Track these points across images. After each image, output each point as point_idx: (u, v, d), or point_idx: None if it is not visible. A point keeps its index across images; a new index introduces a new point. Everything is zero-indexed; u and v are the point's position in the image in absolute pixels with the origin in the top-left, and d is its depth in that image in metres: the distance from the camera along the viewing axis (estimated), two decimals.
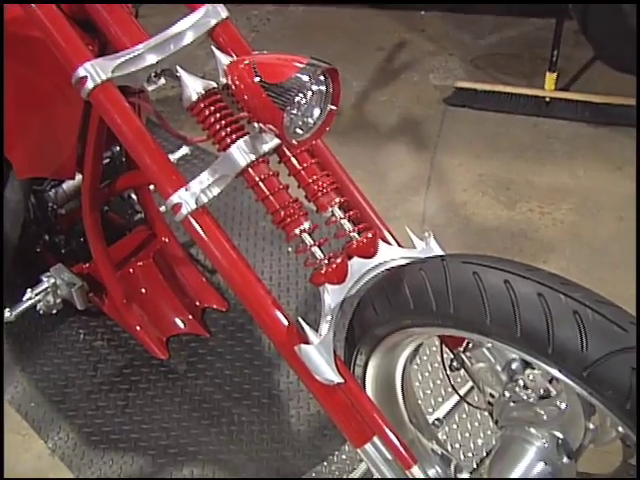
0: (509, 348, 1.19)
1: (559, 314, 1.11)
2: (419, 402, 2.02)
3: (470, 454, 2.04)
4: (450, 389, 2.02)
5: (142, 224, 2.47)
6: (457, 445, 2.06)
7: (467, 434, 2.08)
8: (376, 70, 3.75)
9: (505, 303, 1.14)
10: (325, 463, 2.03)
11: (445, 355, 1.53)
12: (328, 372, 1.33)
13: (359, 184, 2.87)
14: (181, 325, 2.38)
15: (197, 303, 2.45)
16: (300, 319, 1.36)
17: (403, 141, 3.23)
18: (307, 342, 1.33)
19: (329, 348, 1.33)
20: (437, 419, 2.00)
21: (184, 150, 2.50)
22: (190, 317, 2.38)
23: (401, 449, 1.40)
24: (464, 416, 2.11)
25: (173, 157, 2.47)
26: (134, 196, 2.43)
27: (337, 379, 1.33)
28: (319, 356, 1.33)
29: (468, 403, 1.81)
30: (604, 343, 1.08)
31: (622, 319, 1.11)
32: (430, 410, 2.13)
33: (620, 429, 1.27)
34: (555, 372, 1.14)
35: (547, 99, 3.37)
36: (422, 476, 1.39)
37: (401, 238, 1.49)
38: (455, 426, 2.10)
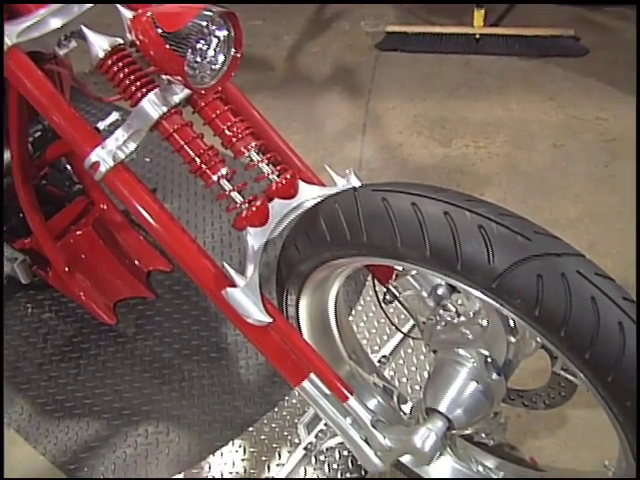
0: (423, 270, 1.21)
1: (465, 230, 1.13)
2: (362, 338, 2.06)
3: (417, 387, 2.07)
4: (394, 327, 2.06)
5: (82, 194, 2.46)
6: (404, 379, 2.09)
7: (413, 368, 2.11)
8: (307, 22, 3.75)
9: (413, 225, 1.16)
10: (276, 409, 2.06)
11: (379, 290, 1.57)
12: (256, 313, 1.35)
13: (296, 136, 2.91)
14: (127, 289, 2.39)
15: (141, 266, 2.46)
16: (225, 264, 1.37)
17: (337, 90, 3.24)
18: (234, 286, 1.34)
19: (255, 289, 1.34)
20: (383, 356, 2.05)
21: (114, 116, 2.48)
22: (135, 280, 2.39)
23: (337, 383, 1.43)
24: (409, 351, 2.15)
25: (104, 124, 2.46)
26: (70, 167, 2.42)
27: (265, 319, 1.35)
28: (246, 298, 1.34)
29: (406, 334, 1.85)
30: (509, 254, 1.10)
31: (526, 229, 1.13)
32: (376, 348, 2.15)
33: (538, 339, 1.31)
34: (467, 288, 1.16)
35: (477, 36, 3.39)
36: (359, 406, 1.42)
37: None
38: (401, 361, 2.13)
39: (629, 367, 1.10)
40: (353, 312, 2.28)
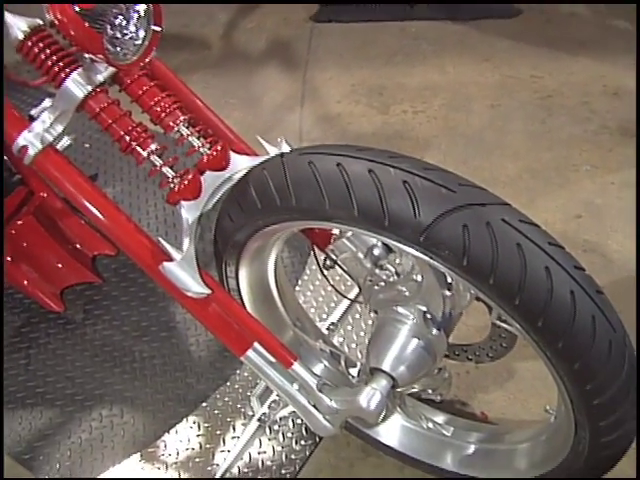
0: (353, 229, 1.23)
1: (390, 186, 1.13)
2: (310, 307, 2.07)
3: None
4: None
5: (21, 184, 2.43)
6: (354, 344, 2.11)
7: (362, 333, 2.13)
8: None
9: (339, 185, 1.17)
10: (228, 383, 2.07)
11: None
12: (194, 285, 1.35)
13: (235, 112, 2.90)
14: (73, 276, 2.37)
15: (86, 252, 2.44)
16: (160, 239, 1.37)
17: (274, 64, 3.23)
18: (170, 260, 1.35)
19: (192, 262, 1.35)
20: (332, 323, 2.07)
21: (47, 102, 2.45)
22: (80, 266, 2.37)
23: (280, 350, 1.44)
24: (357, 316, 2.16)
25: (36, 111, 2.42)
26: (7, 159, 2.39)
27: (204, 290, 1.36)
28: (183, 271, 1.35)
29: (349, 299, 1.87)
30: (434, 206, 1.12)
31: (450, 181, 1.14)
32: (324, 316, 2.17)
33: (472, 290, 1.32)
34: (397, 244, 1.17)
35: (411, 2, 3.39)
36: (304, 371, 1.43)
37: None
38: (350, 327, 2.15)
39: (558, 310, 1.12)
40: (300, 282, 2.29)
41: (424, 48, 3.19)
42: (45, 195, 2.41)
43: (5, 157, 2.39)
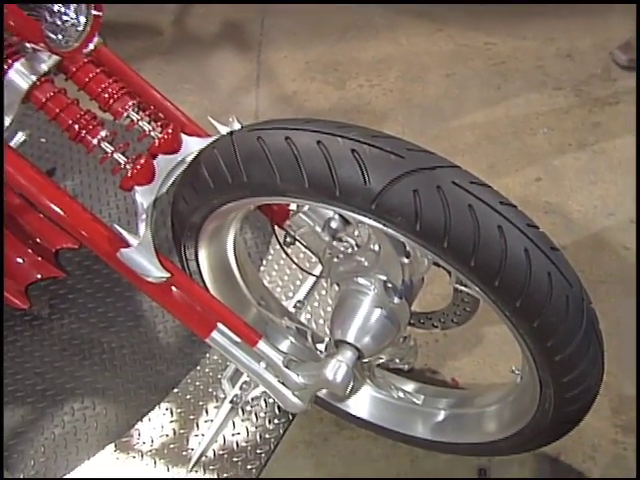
0: (306, 202, 1.22)
1: (338, 156, 1.13)
2: (276, 286, 2.07)
3: None
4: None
5: None
6: (321, 320, 2.11)
7: (329, 308, 2.13)
8: None
9: (289, 159, 1.16)
10: (198, 367, 2.07)
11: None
12: (152, 270, 1.34)
13: (190, 97, 2.88)
14: (36, 272, 2.34)
15: (48, 246, 2.41)
16: (115, 225, 1.36)
17: (228, 47, 3.21)
18: (128, 246, 1.34)
19: (149, 247, 1.34)
20: (298, 301, 2.06)
21: None
22: (43, 262, 2.34)
23: (244, 329, 1.43)
24: (323, 292, 2.16)
25: None
26: None
27: (163, 274, 1.34)
28: (140, 256, 1.34)
29: (311, 274, 1.87)
30: (384, 173, 1.11)
31: (398, 147, 1.14)
32: (291, 295, 2.16)
33: (429, 255, 1.33)
34: (350, 213, 1.17)
35: None
36: (269, 349, 1.43)
37: None
38: (316, 303, 2.15)
39: (513, 269, 1.12)
40: (264, 262, 2.28)
41: (376, 21, 3.18)
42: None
43: None
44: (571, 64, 2.81)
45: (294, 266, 2.21)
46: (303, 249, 1.60)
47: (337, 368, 1.40)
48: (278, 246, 2.29)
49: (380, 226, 1.15)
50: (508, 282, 1.13)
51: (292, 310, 1.94)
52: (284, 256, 2.26)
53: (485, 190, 1.15)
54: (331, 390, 1.43)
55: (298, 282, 2.21)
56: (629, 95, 2.66)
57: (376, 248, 1.37)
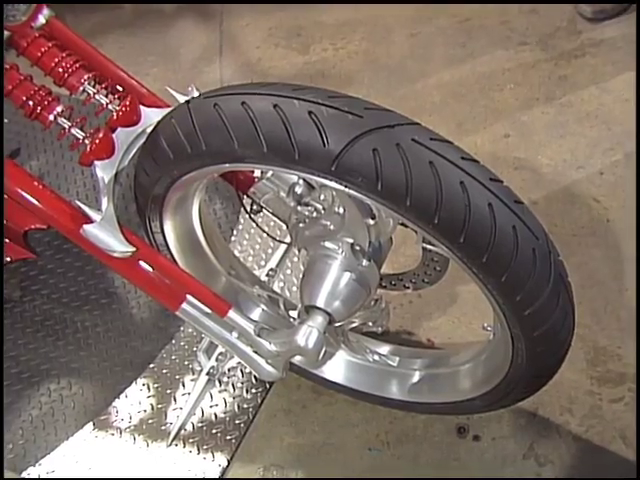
0: (265, 167, 1.21)
1: (296, 119, 1.11)
2: (248, 255, 2.05)
3: None
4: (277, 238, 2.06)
5: None
6: (294, 288, 2.10)
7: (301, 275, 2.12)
8: None
9: (246, 124, 1.14)
10: (173, 341, 2.06)
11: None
12: (116, 244, 1.32)
13: (154, 69, 2.84)
14: (5, 254, 2.31)
15: (16, 228, 2.38)
16: (77, 201, 1.34)
17: (189, 17, 3.16)
18: (90, 222, 1.32)
19: (112, 221, 1.31)
20: (270, 269, 2.04)
21: None
22: (12, 244, 2.31)
23: (213, 299, 1.42)
24: (295, 260, 2.15)
25: None
26: None
27: (127, 248, 1.32)
28: (104, 232, 1.31)
29: (276, 240, 1.86)
30: (342, 134, 1.09)
31: (356, 107, 1.12)
32: (262, 263, 2.15)
33: (394, 216, 1.31)
34: (310, 176, 1.16)
35: None
36: (239, 318, 1.42)
37: None
38: (289, 271, 2.14)
39: (477, 225, 1.11)
40: (235, 232, 2.27)
41: None
42: None
43: None
44: (536, 18, 2.79)
45: (265, 235, 2.19)
46: (274, 217, 1.59)
47: (308, 334, 1.38)
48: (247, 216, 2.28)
49: (342, 188, 1.14)
50: (473, 238, 1.12)
51: (265, 279, 1.92)
52: (254, 225, 2.24)
53: (446, 146, 1.13)
54: (304, 356, 1.43)
55: (270, 251, 2.20)
56: (595, 47, 2.65)
57: (341, 211, 1.35)
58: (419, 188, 1.09)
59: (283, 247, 2.12)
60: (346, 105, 1.12)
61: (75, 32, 1.54)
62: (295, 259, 2.15)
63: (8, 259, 2.30)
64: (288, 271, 2.13)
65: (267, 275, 2.03)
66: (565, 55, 2.64)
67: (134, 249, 1.33)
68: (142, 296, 2.16)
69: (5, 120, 2.87)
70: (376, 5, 2.97)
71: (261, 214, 1.60)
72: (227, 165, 1.24)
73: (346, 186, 1.13)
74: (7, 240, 2.29)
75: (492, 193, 1.12)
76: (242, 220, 2.28)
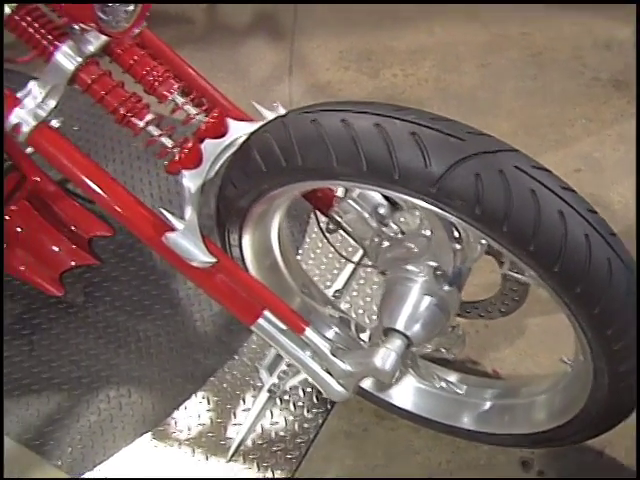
0: (362, 186, 1.21)
1: (398, 138, 1.11)
2: (313, 275, 2.05)
3: (374, 316, 2.07)
4: (343, 260, 2.06)
5: (13, 171, 2.39)
6: (360, 310, 2.09)
7: (368, 298, 2.11)
8: None
9: (346, 141, 1.14)
10: (236, 356, 2.05)
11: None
12: (199, 254, 1.33)
13: (223, 85, 2.84)
14: (70, 259, 2.33)
15: (82, 234, 2.41)
16: (162, 209, 1.35)
17: (260, 35, 3.19)
18: (173, 230, 1.32)
19: (195, 231, 1.32)
20: (336, 290, 2.04)
21: (30, 85, 2.41)
22: (78, 249, 2.34)
23: (292, 316, 1.42)
24: (362, 282, 2.15)
25: (22, 93, 2.38)
26: None
27: (209, 259, 1.33)
28: (186, 241, 1.32)
29: (352, 261, 1.85)
30: (445, 156, 1.09)
31: (458, 130, 1.13)
32: (328, 283, 2.15)
33: (483, 241, 1.31)
34: (407, 197, 1.15)
35: None
36: (316, 337, 1.42)
37: None
38: (355, 293, 2.13)
39: (573, 254, 1.10)
40: (300, 251, 2.26)
41: (410, 9, 3.14)
42: (38, 179, 2.38)
43: None
44: (609, 54, 2.78)
45: (330, 255, 2.20)
46: (339, 238, 1.58)
47: (386, 356, 1.38)
48: (314, 235, 2.28)
49: (437, 210, 1.14)
50: (568, 267, 1.11)
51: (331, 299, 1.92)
52: (320, 245, 2.25)
53: (546, 174, 1.13)
54: (378, 378, 1.42)
55: (335, 271, 2.19)
56: None
57: (428, 234, 1.35)
58: (518, 214, 1.09)
59: (349, 268, 2.13)
60: (448, 128, 1.12)
61: (165, 43, 1.56)
62: (361, 281, 2.14)
63: (73, 263, 2.34)
64: (354, 293, 2.12)
65: (333, 296, 2.02)
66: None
67: (215, 260, 1.34)
68: (206, 309, 2.16)
69: (75, 127, 2.92)
70: (447, 33, 2.98)
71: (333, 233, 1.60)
72: (320, 182, 1.24)
73: (443, 209, 1.13)
74: (73, 245, 2.33)
75: (589, 224, 1.12)
76: (308, 239, 2.28)
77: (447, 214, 1.14)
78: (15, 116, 1.31)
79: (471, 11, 3.09)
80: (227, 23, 3.32)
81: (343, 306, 2.08)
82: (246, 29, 3.25)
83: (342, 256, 1.77)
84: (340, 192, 1.49)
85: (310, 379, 1.49)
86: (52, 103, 1.34)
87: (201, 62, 3.08)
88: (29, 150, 2.29)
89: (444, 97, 2.72)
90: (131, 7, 1.30)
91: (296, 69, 2.95)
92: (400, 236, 1.40)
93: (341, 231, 1.57)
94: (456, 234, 1.32)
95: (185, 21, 3.30)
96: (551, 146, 2.49)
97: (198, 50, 3.13)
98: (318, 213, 1.59)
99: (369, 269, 2.04)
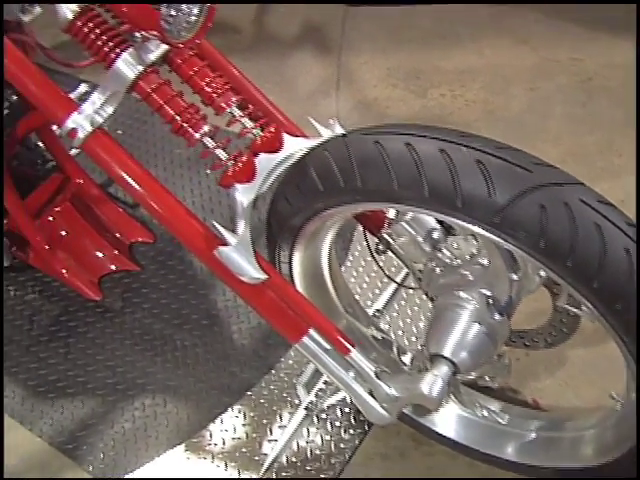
0: (422, 211, 1.19)
1: (463, 166, 1.10)
2: (355, 294, 2.03)
3: (414, 338, 2.05)
4: (385, 279, 2.04)
5: (56, 171, 2.40)
6: (400, 332, 2.07)
7: (408, 319, 2.09)
8: None
9: (409, 165, 1.13)
10: (273, 371, 2.04)
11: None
12: (250, 270, 1.32)
13: (269, 97, 2.84)
14: (110, 263, 2.34)
15: (123, 239, 2.41)
16: (215, 223, 1.34)
17: (307, 48, 3.18)
18: (225, 245, 1.31)
19: (248, 246, 1.31)
20: (377, 310, 2.03)
21: (83, 87, 2.42)
22: (118, 254, 2.34)
23: (338, 337, 1.40)
24: (403, 303, 2.13)
25: (73, 95, 2.39)
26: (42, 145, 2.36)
27: (260, 275, 1.32)
28: (238, 256, 1.31)
29: (402, 285, 1.83)
30: (510, 186, 1.08)
31: (525, 161, 1.11)
32: (369, 303, 2.13)
33: (542, 273, 1.29)
34: (469, 225, 1.14)
35: None
36: (361, 359, 1.40)
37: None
38: (396, 314, 2.11)
39: (637, 293, 1.08)
40: (343, 269, 2.25)
41: (460, 30, 3.12)
42: (81, 182, 2.38)
43: (39, 144, 2.37)
44: None
45: (373, 274, 2.18)
46: (382, 258, 1.57)
47: (433, 382, 1.36)
48: (357, 253, 2.27)
49: (499, 240, 1.12)
50: (631, 307, 1.09)
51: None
52: (363, 264, 2.23)
53: (611, 210, 1.12)
54: (423, 404, 1.40)
55: (377, 291, 2.17)
56: None
57: (485, 262, 1.33)
58: (583, 250, 1.07)
59: (391, 289, 2.11)
60: (515, 158, 1.11)
61: (223, 54, 1.55)
62: (402, 302, 2.12)
63: (113, 268, 2.34)
64: (394, 314, 2.10)
65: (373, 315, 2.01)
66: None
67: (266, 277, 1.33)
68: (244, 322, 2.15)
69: (118, 131, 2.93)
70: (496, 55, 2.96)
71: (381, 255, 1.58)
72: (378, 204, 1.23)
73: (505, 239, 1.11)
74: (115, 250, 2.33)
75: None
76: (351, 257, 2.27)
77: (509, 245, 1.12)
78: (72, 121, 1.31)
79: (521, 34, 3.07)
80: (274, 34, 3.32)
81: (383, 326, 2.06)
82: (293, 41, 3.25)
83: (388, 277, 1.75)
84: (392, 213, 1.47)
85: (353, 400, 1.47)
86: (110, 110, 1.33)
87: (247, 72, 3.08)
88: (73, 152, 2.31)
89: (491, 120, 2.70)
90: (193, 18, 1.29)
91: (343, 84, 2.94)
92: (456, 263, 1.38)
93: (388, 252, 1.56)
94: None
95: (232, 30, 3.31)
96: (597, 174, 2.46)
97: (245, 60, 3.11)
98: (367, 233, 1.58)
99: (411, 290, 2.01)
